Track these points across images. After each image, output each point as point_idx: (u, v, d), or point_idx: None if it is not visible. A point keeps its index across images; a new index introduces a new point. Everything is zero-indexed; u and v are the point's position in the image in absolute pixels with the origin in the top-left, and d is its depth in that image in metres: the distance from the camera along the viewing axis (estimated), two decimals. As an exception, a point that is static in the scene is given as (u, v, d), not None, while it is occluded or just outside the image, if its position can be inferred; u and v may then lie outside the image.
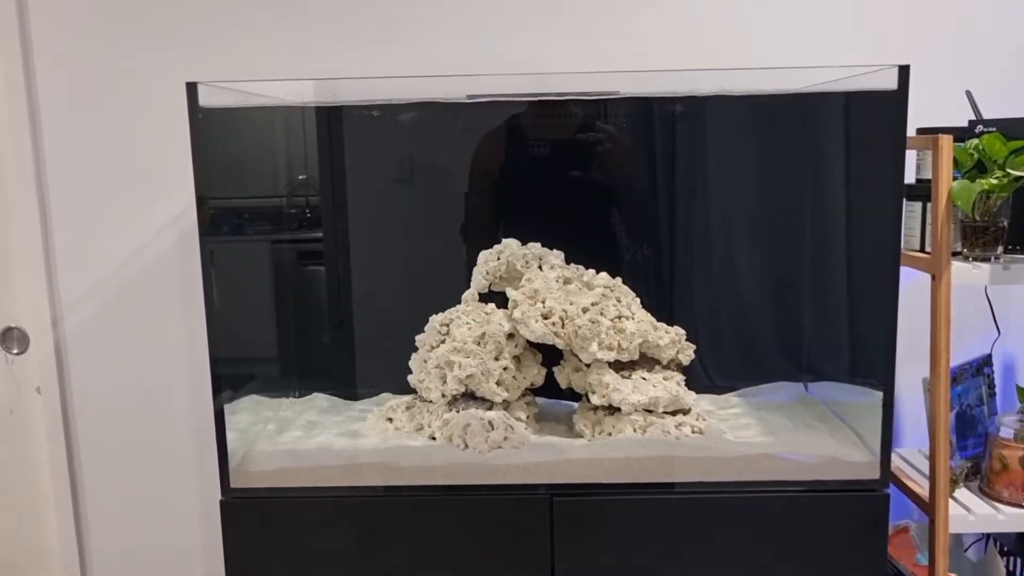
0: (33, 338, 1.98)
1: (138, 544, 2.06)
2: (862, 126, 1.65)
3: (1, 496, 2.03)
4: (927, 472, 1.59)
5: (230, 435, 1.51)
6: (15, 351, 1.99)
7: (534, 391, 1.68)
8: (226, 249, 1.66)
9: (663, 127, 1.84)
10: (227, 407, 1.53)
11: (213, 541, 2.03)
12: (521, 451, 1.52)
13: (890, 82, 1.39)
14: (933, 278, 1.54)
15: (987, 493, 1.63)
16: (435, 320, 1.66)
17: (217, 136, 1.57)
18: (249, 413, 1.68)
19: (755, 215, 1.87)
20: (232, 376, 1.57)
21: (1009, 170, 1.50)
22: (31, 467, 2.03)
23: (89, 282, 1.97)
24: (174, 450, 2.03)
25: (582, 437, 1.58)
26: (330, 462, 1.53)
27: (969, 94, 1.70)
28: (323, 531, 1.51)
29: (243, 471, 1.53)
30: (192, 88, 1.40)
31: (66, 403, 2.01)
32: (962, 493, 1.64)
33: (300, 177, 1.91)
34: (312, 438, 1.65)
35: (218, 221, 1.58)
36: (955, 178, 1.53)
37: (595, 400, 1.56)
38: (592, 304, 1.58)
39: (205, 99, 1.43)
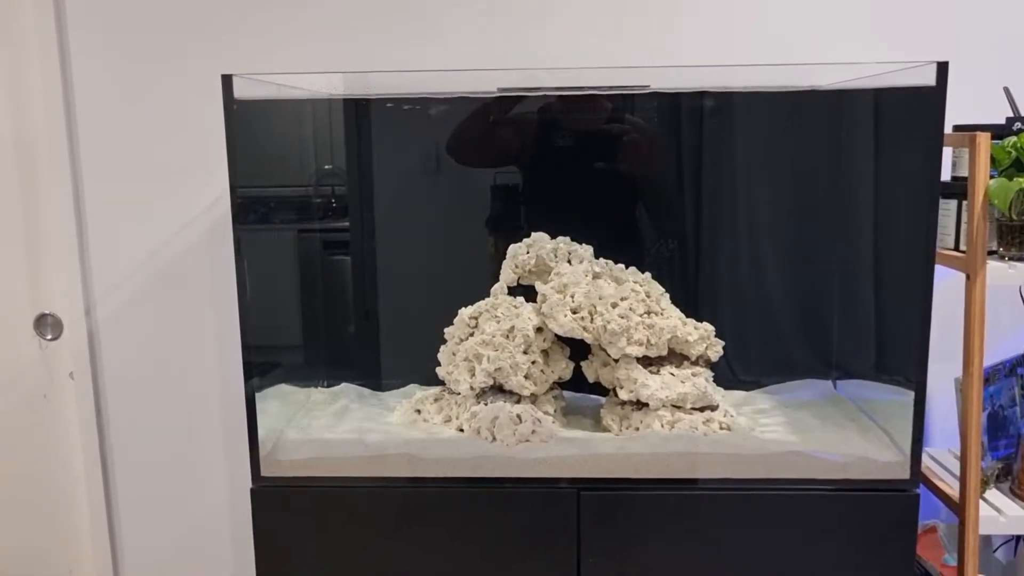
0: (66, 324, 2.01)
1: (168, 528, 2.09)
2: (898, 123, 1.63)
3: (34, 479, 2.07)
4: (957, 472, 1.58)
5: (260, 424, 1.53)
6: (49, 337, 2.02)
7: (561, 385, 1.68)
8: (257, 238, 1.67)
9: (693, 122, 1.83)
10: (257, 395, 1.54)
11: (242, 527, 2.06)
12: (548, 445, 1.52)
13: (928, 78, 1.37)
14: (968, 277, 1.52)
15: (1018, 494, 1.62)
16: (464, 313, 1.66)
17: (249, 127, 1.57)
18: (278, 402, 1.69)
19: (788, 211, 1.86)
20: (262, 364, 1.59)
21: (1048, 169, 1.48)
22: (63, 450, 2.07)
23: (122, 270, 2.00)
24: (204, 436, 2.05)
25: (609, 432, 1.58)
26: (359, 453, 1.55)
27: (1007, 91, 1.68)
28: (351, 521, 1.53)
29: (273, 460, 1.55)
30: (227, 80, 1.42)
31: (98, 388, 2.04)
32: (992, 494, 1.63)
33: (327, 167, 1.92)
34: (341, 428, 1.66)
35: (249, 210, 1.59)
36: (992, 176, 1.51)
37: (623, 395, 1.56)
38: (621, 299, 1.58)
39: (239, 91, 1.44)
